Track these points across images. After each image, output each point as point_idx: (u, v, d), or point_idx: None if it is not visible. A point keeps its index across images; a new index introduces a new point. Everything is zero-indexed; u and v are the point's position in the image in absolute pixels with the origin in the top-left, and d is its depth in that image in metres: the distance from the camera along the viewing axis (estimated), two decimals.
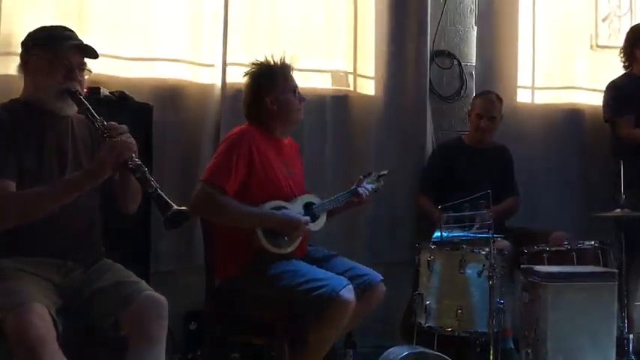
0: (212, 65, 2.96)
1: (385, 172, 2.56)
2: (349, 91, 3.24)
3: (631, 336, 2.74)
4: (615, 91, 3.29)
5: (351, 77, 3.26)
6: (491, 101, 3.17)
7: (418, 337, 2.61)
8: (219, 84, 2.94)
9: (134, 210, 2.00)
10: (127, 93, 2.60)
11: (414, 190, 3.25)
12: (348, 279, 2.17)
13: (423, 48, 3.26)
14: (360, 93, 3.25)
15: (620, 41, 3.41)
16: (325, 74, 3.23)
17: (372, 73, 3.25)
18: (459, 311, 2.49)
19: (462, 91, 3.44)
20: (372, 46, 3.23)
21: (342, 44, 3.23)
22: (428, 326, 2.56)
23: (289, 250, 2.24)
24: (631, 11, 3.61)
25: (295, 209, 2.28)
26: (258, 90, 2.33)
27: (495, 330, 2.45)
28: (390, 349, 2.27)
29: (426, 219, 3.08)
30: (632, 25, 3.46)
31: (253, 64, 2.39)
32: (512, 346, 2.70)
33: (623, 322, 2.78)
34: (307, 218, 2.27)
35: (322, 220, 2.36)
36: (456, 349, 2.64)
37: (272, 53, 2.39)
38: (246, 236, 2.19)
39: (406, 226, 3.25)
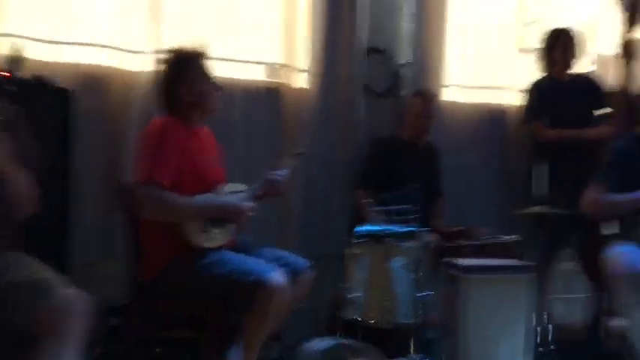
0: (141, 52, 2.88)
1: (302, 151, 2.54)
2: (283, 84, 3.22)
3: (543, 327, 2.87)
4: (533, 93, 3.44)
5: (284, 70, 3.24)
6: (429, 101, 3.26)
7: (344, 330, 2.65)
8: (147, 72, 2.86)
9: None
10: (46, 77, 2.48)
11: (347, 184, 3.29)
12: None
13: (357, 44, 3.29)
14: (293, 86, 3.24)
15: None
16: (258, 66, 3.20)
17: (305, 67, 3.25)
18: (384, 303, 2.53)
19: (395, 88, 3.49)
20: (307, 39, 3.23)
21: (277, 36, 3.21)
22: (352, 318, 2.59)
23: (220, 243, 2.22)
24: (555, 15, 3.77)
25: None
26: (172, 79, 2.27)
27: (418, 321, 2.52)
28: (311, 341, 2.27)
29: (361, 213, 3.12)
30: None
31: (167, 51, 2.34)
32: (437, 337, 2.77)
33: (541, 314, 2.92)
34: (251, 204, 2.25)
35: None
36: (382, 341, 2.71)
37: (188, 41, 2.34)
38: (174, 230, 2.15)
39: (339, 219, 3.27)
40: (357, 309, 2.58)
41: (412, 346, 2.48)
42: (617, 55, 3.34)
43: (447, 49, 3.55)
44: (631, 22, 3.29)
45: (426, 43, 3.51)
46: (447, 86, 3.61)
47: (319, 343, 2.22)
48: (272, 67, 3.23)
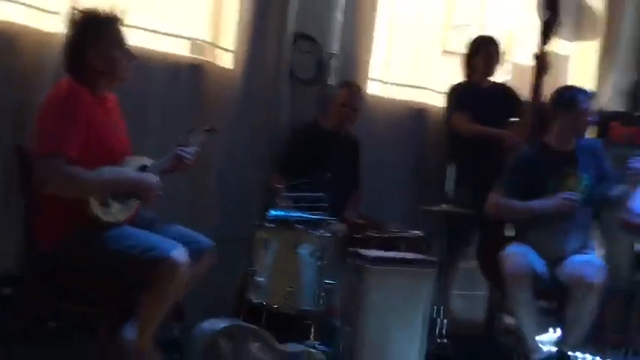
0: (56, 12, 2.73)
1: (211, 127, 2.50)
2: (206, 61, 3.15)
3: (442, 321, 2.98)
4: (453, 95, 3.56)
5: (210, 47, 3.18)
6: (356, 92, 3.28)
7: (250, 314, 2.65)
8: (62, 33, 2.70)
9: None
10: None
11: (265, 169, 3.27)
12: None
13: (285, 28, 3.25)
14: (218, 65, 3.18)
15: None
16: (183, 41, 3.12)
17: (232, 46, 3.19)
18: (289, 289, 2.55)
19: (321, 76, 3.50)
20: (234, 18, 3.17)
21: (204, 13, 3.14)
22: (258, 302, 2.60)
23: (124, 218, 2.16)
24: (480, 21, 3.89)
25: (132, 170, 2.18)
26: (81, 42, 2.16)
27: (321, 309, 2.56)
28: (206, 322, 2.26)
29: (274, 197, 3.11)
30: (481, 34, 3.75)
31: (78, 12, 2.22)
32: (338, 325, 2.82)
33: (440, 307, 3.03)
34: (158, 180, 2.20)
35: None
36: (285, 326, 2.73)
37: (104, 4, 2.23)
38: (76, 203, 2.06)
39: (255, 204, 3.25)
40: (263, 293, 2.60)
41: (312, 333, 2.51)
42: (532, 65, 3.49)
43: (375, 44, 3.59)
44: (547, 35, 3.44)
45: (356, 36, 3.53)
46: (372, 80, 3.66)
47: (212, 324, 2.21)
48: (197, 44, 3.15)
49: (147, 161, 2.25)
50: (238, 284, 2.92)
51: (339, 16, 3.48)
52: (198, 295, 2.83)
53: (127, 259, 2.03)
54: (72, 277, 2.14)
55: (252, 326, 2.32)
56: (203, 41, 3.16)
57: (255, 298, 2.60)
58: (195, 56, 3.14)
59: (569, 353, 2.71)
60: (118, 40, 2.21)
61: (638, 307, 2.92)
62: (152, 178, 2.18)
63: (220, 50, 3.18)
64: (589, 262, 2.68)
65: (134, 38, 2.91)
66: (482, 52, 3.54)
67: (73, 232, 2.08)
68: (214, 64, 3.16)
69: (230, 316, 2.80)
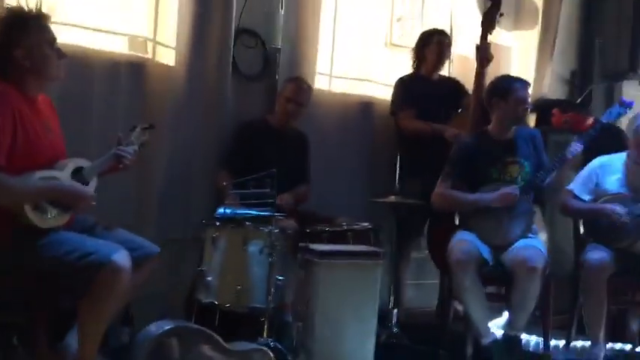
0: None
1: (151, 125, 2.44)
2: (147, 59, 3.08)
3: (395, 311, 3.02)
4: (402, 86, 3.59)
5: (150, 44, 3.11)
6: (302, 87, 3.26)
7: (201, 314, 2.62)
8: None
9: None
10: None
11: (213, 166, 3.23)
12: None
13: (228, 23, 3.20)
14: (158, 62, 3.11)
15: (411, 42, 3.72)
16: (122, 37, 3.05)
17: (173, 43, 3.13)
18: (239, 287, 2.53)
19: (266, 72, 3.47)
20: (175, 14, 3.11)
21: (144, 9, 3.07)
22: (208, 302, 2.57)
23: (59, 224, 2.08)
24: (422, 15, 3.94)
25: (65, 175, 2.11)
26: (8, 41, 2.07)
27: (272, 305, 2.54)
28: (152, 324, 2.22)
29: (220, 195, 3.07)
30: (423, 26, 3.79)
31: (5, 9, 2.14)
32: (290, 321, 2.82)
33: (390, 298, 3.07)
34: (92, 189, 2.14)
35: (93, 184, 2.21)
36: (237, 324, 2.71)
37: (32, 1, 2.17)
38: (9, 209, 1.99)
39: (202, 202, 3.21)
40: (213, 293, 2.57)
41: (265, 330, 2.50)
42: (474, 57, 3.55)
43: (320, 38, 3.58)
44: (488, 26, 3.51)
45: (301, 30, 3.50)
46: (319, 74, 3.65)
47: (158, 326, 2.17)
48: (137, 40, 3.08)
49: (84, 163, 2.18)
50: (188, 285, 2.89)
51: (282, 10, 3.46)
52: (147, 299, 2.79)
53: (64, 266, 1.97)
54: (7, 284, 2.06)
55: (200, 327, 2.28)
56: (143, 38, 3.09)
57: (205, 298, 2.57)
58: (135, 53, 3.07)
59: (517, 335, 2.77)
60: (46, 37, 2.13)
61: (581, 288, 3.01)
62: (81, 185, 2.11)
63: (161, 47, 3.12)
64: (531, 246, 2.76)
65: (71, 36, 2.84)
66: (434, 45, 3.57)
67: (7, 239, 2.00)
68: (155, 61, 3.09)
69: (181, 318, 2.77)
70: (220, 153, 3.23)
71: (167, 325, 2.14)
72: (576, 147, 2.84)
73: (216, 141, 3.23)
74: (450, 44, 3.65)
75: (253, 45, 3.42)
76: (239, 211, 2.60)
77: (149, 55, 3.09)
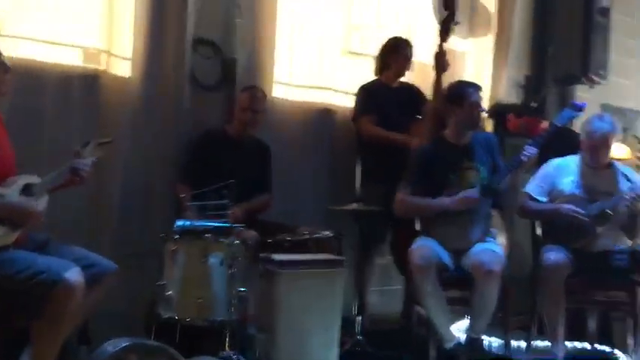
0: None
1: (108, 139, 2.42)
2: (101, 70, 3.03)
3: (359, 318, 3.02)
4: (364, 93, 3.61)
5: (104, 56, 3.06)
6: (257, 96, 3.24)
7: (162, 330, 2.57)
8: None
9: None
10: None
11: (172, 179, 3.18)
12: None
13: (184, 34, 3.17)
14: (113, 74, 3.06)
15: (369, 49, 3.75)
16: (74, 49, 2.99)
17: (128, 54, 3.09)
18: (200, 301, 2.50)
19: (224, 82, 3.45)
20: (129, 25, 3.07)
21: (97, 20, 3.02)
22: (168, 317, 2.52)
23: (8, 242, 2.02)
24: (379, 22, 3.98)
25: (13, 192, 2.05)
26: None
27: (235, 318, 2.52)
28: (108, 342, 2.17)
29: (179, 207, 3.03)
30: (380, 34, 3.82)
31: None
32: (253, 333, 2.80)
33: (354, 305, 3.07)
34: (40, 207, 2.08)
35: (44, 200, 2.16)
36: (199, 338, 2.67)
37: None
38: None
39: (161, 215, 3.16)
40: (173, 307, 2.53)
41: (227, 343, 2.47)
42: (431, 64, 3.61)
43: (277, 47, 3.58)
44: (445, 34, 3.57)
45: (258, 39, 3.50)
46: (278, 83, 3.65)
47: (114, 344, 2.12)
48: (90, 52, 3.03)
49: (34, 180, 2.13)
50: (148, 300, 2.83)
51: (239, 20, 3.45)
52: (106, 316, 2.73)
53: (16, 285, 1.92)
54: None
55: (158, 343, 2.24)
56: (97, 50, 3.04)
57: (165, 313, 2.52)
58: (89, 65, 3.01)
59: (478, 338, 2.81)
60: None
61: (540, 289, 3.07)
62: (30, 203, 2.05)
63: (116, 58, 3.07)
64: (489, 250, 2.80)
65: (23, 49, 2.78)
66: (396, 53, 3.60)
67: None
68: (110, 73, 3.04)
69: (142, 334, 2.72)
70: (179, 165, 3.20)
71: (124, 343, 2.09)
72: (530, 150, 2.90)
73: (175, 152, 3.20)
74: (412, 53, 3.68)
75: (211, 55, 3.39)
76: (198, 223, 2.57)
77: (103, 67, 3.04)
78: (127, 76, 3.09)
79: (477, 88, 3.06)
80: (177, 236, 2.57)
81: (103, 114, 3.00)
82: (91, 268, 2.13)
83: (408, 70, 3.68)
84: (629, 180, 3.13)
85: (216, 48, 3.42)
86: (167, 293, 2.53)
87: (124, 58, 3.09)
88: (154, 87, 3.12)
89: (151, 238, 3.07)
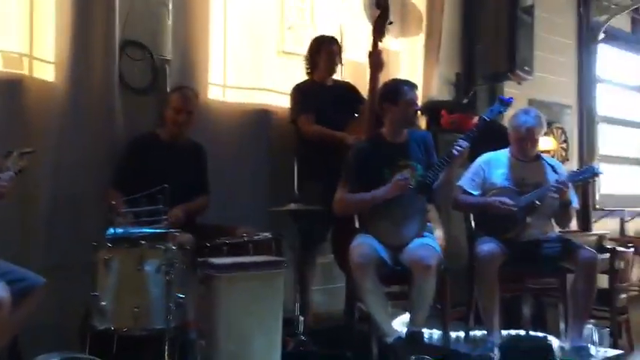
0: None
1: (30, 149, 2.32)
2: (24, 75, 2.91)
3: (301, 318, 3.02)
4: (298, 93, 3.61)
5: (26, 60, 2.93)
6: (188, 96, 3.17)
7: (98, 341, 2.49)
8: None
9: None
10: None
11: (103, 185, 3.08)
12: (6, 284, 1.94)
13: (111, 35, 3.08)
14: (37, 78, 2.94)
15: (303, 49, 3.75)
16: None
17: (51, 58, 2.97)
18: (136, 309, 2.42)
19: (155, 85, 3.37)
20: (52, 26, 2.95)
21: (16, 22, 2.89)
22: (103, 328, 2.44)
23: None
24: (313, 22, 3.99)
25: None
26: None
27: (174, 325, 2.46)
28: (38, 357, 2.08)
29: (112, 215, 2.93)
30: (314, 34, 3.82)
31: None
32: (193, 339, 2.74)
33: (295, 306, 3.07)
34: None
35: None
36: (138, 349, 2.59)
37: None
38: None
39: (94, 224, 3.05)
40: (108, 317, 2.45)
41: (167, 352, 2.41)
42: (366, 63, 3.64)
43: (210, 48, 3.53)
44: (378, 33, 3.61)
45: (190, 40, 3.43)
46: (212, 84, 3.59)
47: (44, 358, 2.03)
48: (11, 57, 2.89)
49: None
50: (81, 311, 2.73)
51: (170, 20, 3.38)
52: (38, 330, 2.62)
53: None
54: None
55: (92, 357, 2.16)
56: (18, 54, 2.91)
57: (100, 325, 2.44)
58: (10, 70, 2.88)
59: (418, 331, 2.86)
60: None
61: (475, 279, 3.16)
62: None
63: (38, 62, 2.95)
64: (426, 245, 2.85)
65: None
66: (324, 52, 3.61)
67: None
68: (32, 77, 2.92)
69: (76, 347, 2.62)
70: (111, 171, 3.10)
71: (53, 358, 2.00)
72: (462, 144, 2.96)
73: (106, 159, 3.09)
74: (340, 50, 3.71)
75: (140, 57, 3.31)
76: (132, 230, 2.49)
77: (25, 72, 2.91)
78: (51, 80, 2.97)
79: (412, 86, 3.10)
80: (110, 244, 2.49)
81: (27, 120, 2.88)
82: (18, 282, 2.04)
83: (337, 65, 3.66)
84: (555, 171, 3.27)
85: (147, 50, 3.34)
86: (101, 304, 2.45)
87: (48, 62, 2.97)
88: (81, 91, 3.01)
89: (83, 248, 2.98)
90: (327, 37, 3.69)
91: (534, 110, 3.35)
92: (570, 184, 3.15)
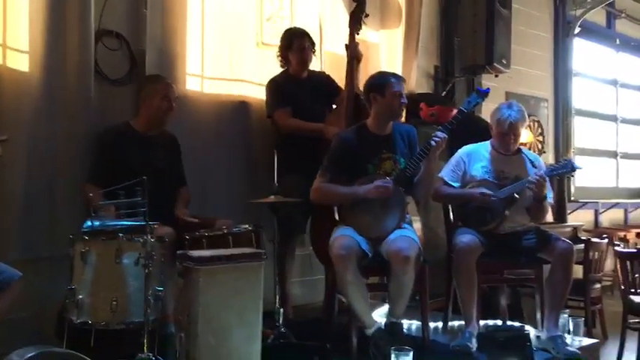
0: None
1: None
2: None
3: (282, 310, 3.01)
4: (274, 87, 3.58)
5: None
6: (171, 85, 3.14)
7: (75, 335, 2.45)
8: None
9: None
10: None
11: (79, 177, 3.03)
12: None
13: (87, 25, 3.02)
14: (10, 68, 2.87)
15: None
16: None
17: (26, 47, 2.90)
18: (114, 303, 2.41)
19: (132, 75, 3.32)
20: (26, 16, 2.88)
21: None
22: (81, 322, 2.41)
23: None
24: (291, 13, 3.96)
25: None
26: None
27: (152, 318, 2.44)
28: (14, 352, 2.05)
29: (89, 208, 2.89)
30: (292, 25, 3.79)
31: None
32: (173, 332, 2.72)
33: (275, 298, 3.06)
34: None
35: None
36: (116, 342, 2.57)
37: None
38: None
39: (70, 217, 3.00)
40: (86, 311, 2.42)
41: (145, 345, 2.38)
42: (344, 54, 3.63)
43: (188, 38, 3.49)
44: (355, 26, 3.60)
45: (167, 31, 3.39)
46: (190, 75, 3.55)
47: (20, 354, 2.00)
48: None
49: None
50: (58, 305, 2.69)
51: (147, 10, 3.32)
52: (14, 325, 2.58)
53: None
54: None
55: (69, 351, 2.13)
56: None
57: (77, 318, 2.41)
58: None
59: (398, 322, 2.87)
60: None
61: (453, 270, 3.18)
62: None
63: (12, 51, 2.88)
64: (405, 237, 2.86)
65: None
66: (295, 45, 3.58)
67: None
68: (6, 66, 2.86)
69: (53, 341, 2.58)
70: (87, 162, 3.04)
71: (30, 352, 1.97)
72: (439, 135, 2.96)
73: (82, 150, 3.05)
74: (312, 43, 3.64)
75: (117, 47, 3.26)
76: (109, 223, 2.46)
77: None
78: (25, 70, 2.91)
79: (400, 78, 3.08)
80: (86, 237, 2.46)
81: (1, 111, 2.80)
82: None
83: (309, 59, 3.61)
84: (534, 166, 3.29)
85: (123, 39, 3.29)
86: (78, 297, 2.42)
87: (21, 51, 2.90)
88: (56, 81, 2.96)
89: (59, 240, 2.94)
90: (296, 31, 3.63)
91: (517, 104, 3.34)
92: (547, 179, 3.18)
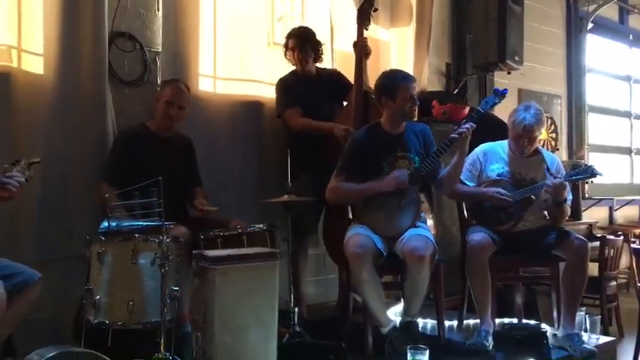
0: None
1: (37, 159, 2.30)
2: (12, 67, 2.87)
3: (296, 309, 3.01)
4: (283, 87, 3.58)
5: (14, 52, 2.89)
6: (181, 90, 3.13)
7: (93, 335, 2.47)
8: None
9: None
10: None
11: (93, 178, 3.05)
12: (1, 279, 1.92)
13: (100, 27, 3.05)
14: (25, 70, 2.90)
15: None
16: None
17: (40, 50, 2.93)
18: (131, 303, 2.42)
19: (146, 77, 3.34)
20: (40, 19, 2.91)
21: (4, 14, 2.85)
22: (98, 322, 2.43)
23: None
24: (302, 13, 3.96)
25: None
26: None
27: (169, 318, 2.45)
28: (33, 352, 2.06)
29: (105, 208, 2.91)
30: (305, 24, 3.79)
31: None
32: (189, 331, 2.73)
33: (290, 297, 3.06)
34: None
35: None
36: (133, 342, 2.58)
37: None
38: None
39: (85, 217, 3.03)
40: (103, 311, 2.44)
41: (162, 345, 2.40)
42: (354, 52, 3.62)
43: (201, 39, 3.50)
44: (363, 22, 3.58)
45: (180, 32, 3.42)
46: (203, 76, 3.57)
47: (40, 354, 2.02)
48: None
49: None
50: (76, 305, 2.71)
51: (159, 12, 3.34)
52: (33, 325, 2.60)
53: None
54: None
55: (88, 350, 2.15)
56: (6, 46, 2.87)
57: (95, 319, 2.43)
58: None
59: (413, 321, 2.86)
60: None
61: (466, 268, 3.17)
62: None
63: (27, 54, 2.91)
64: (420, 235, 2.84)
65: None
66: (290, 52, 3.56)
67: None
68: (21, 69, 2.89)
69: (70, 341, 2.60)
70: (102, 164, 3.07)
71: (50, 352, 1.99)
72: (464, 126, 2.90)
73: (97, 151, 3.07)
74: (310, 41, 3.59)
75: (131, 49, 3.28)
76: (126, 223, 2.48)
77: (14, 64, 2.87)
78: (40, 72, 2.93)
79: (410, 79, 3.03)
80: (103, 238, 2.48)
81: (17, 113, 2.84)
82: (13, 278, 2.01)
83: (309, 61, 3.57)
84: (549, 172, 3.22)
85: (137, 41, 3.31)
86: (95, 297, 2.44)
87: (36, 54, 2.93)
88: (71, 83, 2.99)
89: (75, 241, 2.97)
90: (292, 31, 3.60)
91: (535, 107, 3.27)
92: (567, 184, 3.13)
